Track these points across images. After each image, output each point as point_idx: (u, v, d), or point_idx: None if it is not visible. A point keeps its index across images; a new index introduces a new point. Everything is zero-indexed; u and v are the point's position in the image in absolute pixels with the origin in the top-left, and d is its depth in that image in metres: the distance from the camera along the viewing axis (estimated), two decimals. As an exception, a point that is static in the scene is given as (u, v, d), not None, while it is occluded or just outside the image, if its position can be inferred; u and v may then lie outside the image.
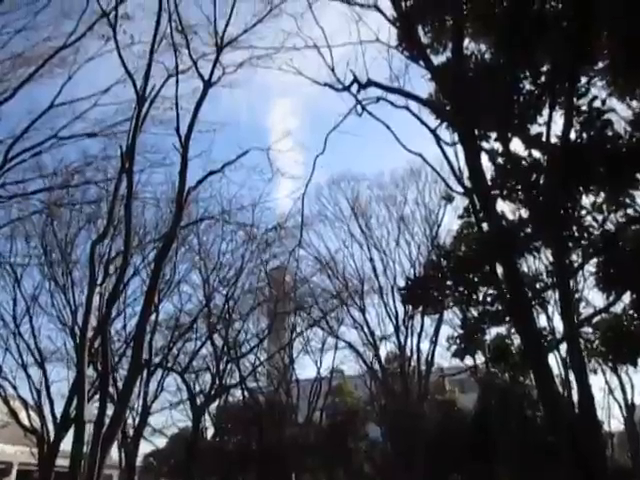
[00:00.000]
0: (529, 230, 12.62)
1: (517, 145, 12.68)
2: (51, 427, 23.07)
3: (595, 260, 12.66)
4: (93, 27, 17.59)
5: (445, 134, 13.58)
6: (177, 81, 17.71)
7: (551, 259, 13.95)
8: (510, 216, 12.91)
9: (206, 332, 28.80)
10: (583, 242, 12.03)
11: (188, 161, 17.40)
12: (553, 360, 23.90)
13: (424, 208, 32.42)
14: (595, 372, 19.05)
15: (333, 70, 13.98)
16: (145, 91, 17.35)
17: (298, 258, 22.13)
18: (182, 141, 17.37)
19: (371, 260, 32.33)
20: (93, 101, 19.26)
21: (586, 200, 11.99)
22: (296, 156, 22.30)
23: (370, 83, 13.44)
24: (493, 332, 15.00)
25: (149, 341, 24.75)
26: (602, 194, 11.87)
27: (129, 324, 26.39)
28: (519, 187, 12.55)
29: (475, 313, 14.24)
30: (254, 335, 31.31)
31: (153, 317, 25.08)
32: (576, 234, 12.01)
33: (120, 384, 23.30)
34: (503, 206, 13.00)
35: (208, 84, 18.14)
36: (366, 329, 31.44)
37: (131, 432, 26.27)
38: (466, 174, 12.78)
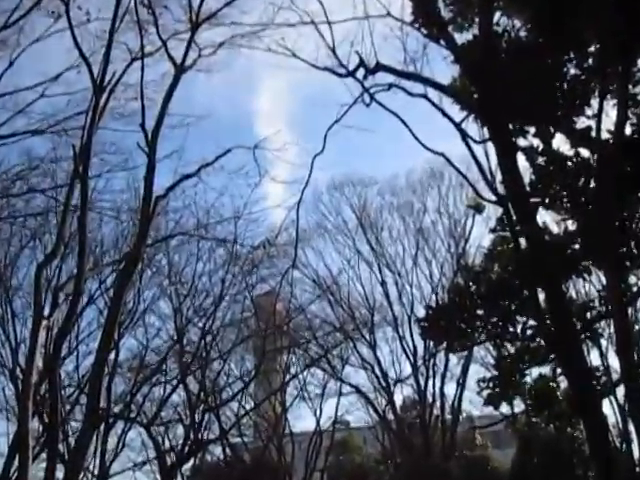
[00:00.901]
0: (577, 246, 12.65)
1: (561, 142, 12.80)
2: (-14, 494, 22.90)
3: (659, 283, 12.71)
4: (41, 2, 17.73)
5: (472, 128, 13.68)
6: (143, 66, 17.75)
7: (604, 282, 13.96)
8: (554, 229, 13.02)
9: (178, 374, 28.59)
10: (643, 261, 12.08)
11: (156, 163, 17.45)
12: (608, 407, 23.83)
13: (448, 219, 32.56)
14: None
15: (334, 51, 14.06)
16: (104, 78, 17.41)
17: (292, 282, 21.90)
18: (149, 139, 17.43)
19: (383, 284, 32.39)
20: (40, 91, 19.35)
21: (646, 209, 12.06)
22: (289, 156, 22.26)
23: (380, 67, 13.55)
24: (534, 373, 15.02)
25: (107, 386, 24.60)
26: (666, 201, 11.95)
27: (83, 365, 26.31)
28: (564, 193, 12.65)
29: (512, 349, 14.29)
30: (238, 378, 31.16)
31: (112, 356, 24.94)
32: (634, 251, 12.04)
33: (72, 439, 23.14)
34: (545, 216, 13.25)
35: (181, 69, 18.24)
36: (377, 370, 31.42)
37: (85, 500, 26.05)
38: (499, 177, 12.86)
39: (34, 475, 16.37)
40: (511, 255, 13.51)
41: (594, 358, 23.78)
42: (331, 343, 31.44)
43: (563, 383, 14.60)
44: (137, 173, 21.85)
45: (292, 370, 32.63)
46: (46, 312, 17.26)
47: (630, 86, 11.66)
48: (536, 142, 12.88)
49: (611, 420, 22.73)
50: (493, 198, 13.78)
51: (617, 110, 11.62)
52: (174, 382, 28.76)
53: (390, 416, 31.52)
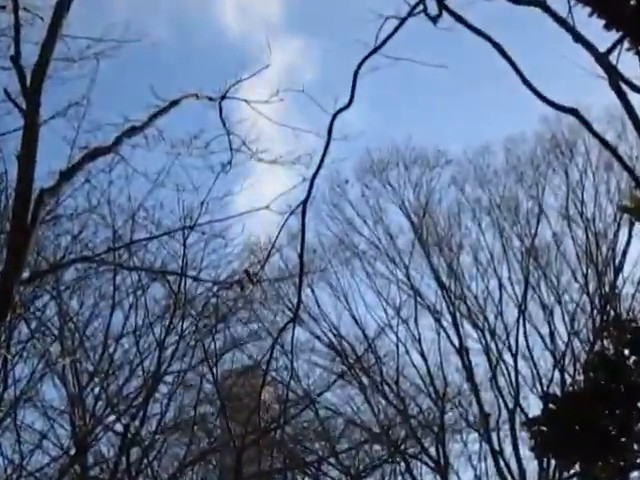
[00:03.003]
0: None
1: None
2: None
3: None
4: None
5: (629, 64, 13.79)
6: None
7: None
8: None
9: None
10: None
11: (40, 127, 17.71)
12: None
13: (583, 230, 33.01)
14: None
15: None
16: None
17: (293, 349, 22.11)
18: (27, 82, 17.73)
19: (461, 350, 32.86)
20: None
21: None
22: (287, 114, 22.46)
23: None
24: None
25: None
26: None
27: None
28: None
29: None
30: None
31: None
32: None
33: None
34: None
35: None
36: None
37: None
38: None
39: None
40: None
41: None
42: (365, 463, 31.71)
43: None
44: (5, 145, 22.12)
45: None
46: None
47: None
48: None
49: None
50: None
51: None
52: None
53: None
